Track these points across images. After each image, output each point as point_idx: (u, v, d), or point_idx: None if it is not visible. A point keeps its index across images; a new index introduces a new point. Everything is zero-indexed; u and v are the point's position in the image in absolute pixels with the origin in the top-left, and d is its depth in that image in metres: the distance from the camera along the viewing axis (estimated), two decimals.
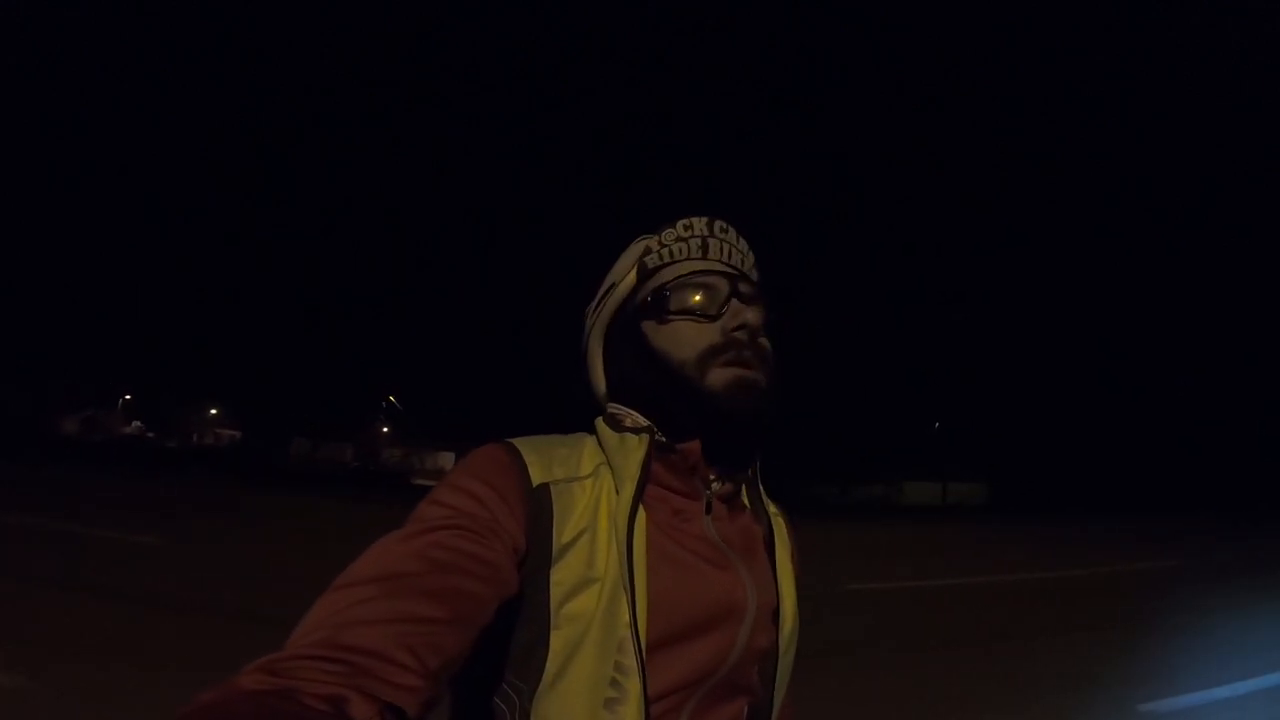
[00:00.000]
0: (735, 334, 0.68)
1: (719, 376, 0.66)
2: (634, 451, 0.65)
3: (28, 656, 3.57)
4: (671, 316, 0.70)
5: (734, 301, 0.69)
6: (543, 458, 0.64)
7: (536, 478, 0.62)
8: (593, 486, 0.64)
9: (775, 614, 0.70)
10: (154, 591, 5.27)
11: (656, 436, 0.68)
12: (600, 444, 0.69)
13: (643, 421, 0.70)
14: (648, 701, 0.57)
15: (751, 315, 0.68)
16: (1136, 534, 16.12)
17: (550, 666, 0.57)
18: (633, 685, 0.56)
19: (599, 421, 0.72)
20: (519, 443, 0.65)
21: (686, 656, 0.61)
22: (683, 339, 0.68)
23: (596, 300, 0.79)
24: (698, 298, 0.70)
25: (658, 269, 0.74)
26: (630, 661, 0.57)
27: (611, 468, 0.66)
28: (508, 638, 0.59)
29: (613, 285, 0.77)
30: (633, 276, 0.75)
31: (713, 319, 0.69)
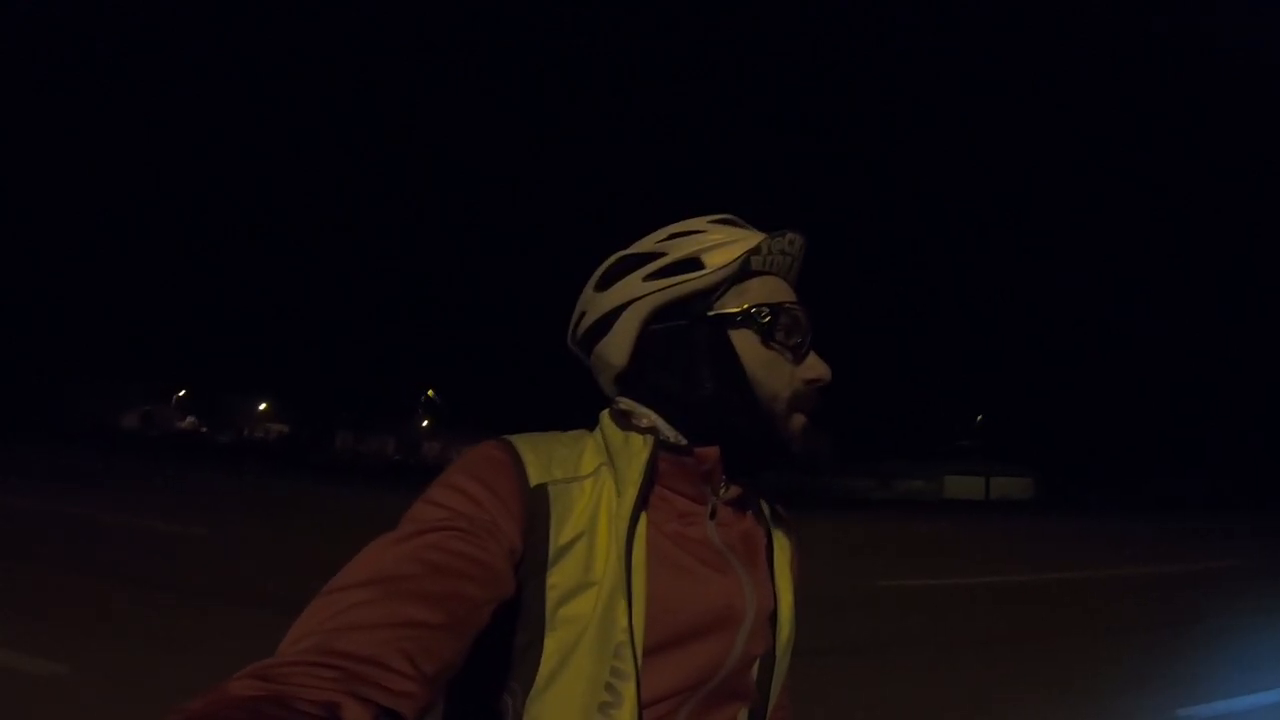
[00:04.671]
0: (814, 387, 0.70)
1: (797, 423, 0.69)
2: (638, 454, 0.63)
3: (71, 644, 3.69)
4: (774, 345, 0.69)
5: (813, 351, 0.71)
6: (541, 457, 0.62)
7: (534, 478, 0.60)
8: (593, 487, 0.62)
9: (773, 618, 0.69)
10: (201, 582, 5.47)
11: (674, 439, 0.67)
12: (604, 440, 0.67)
13: (656, 420, 0.68)
14: (642, 706, 0.56)
15: (825, 370, 0.70)
16: (1188, 532, 15.52)
17: (544, 669, 0.56)
18: (628, 690, 0.56)
19: (605, 416, 0.70)
20: (517, 441, 0.63)
21: (683, 661, 0.61)
22: (775, 372, 0.68)
23: (659, 269, 0.69)
24: (799, 338, 0.70)
25: (754, 275, 0.71)
26: (626, 666, 0.56)
27: (614, 468, 0.64)
28: (502, 639, 0.58)
29: (697, 266, 0.69)
30: (731, 269, 0.69)
31: (796, 360, 0.70)
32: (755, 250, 0.69)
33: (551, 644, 0.57)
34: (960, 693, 3.85)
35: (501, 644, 0.58)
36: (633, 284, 0.69)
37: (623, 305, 0.70)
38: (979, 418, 49.41)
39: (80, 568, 5.62)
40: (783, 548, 0.74)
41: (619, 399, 0.72)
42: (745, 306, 0.68)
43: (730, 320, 0.68)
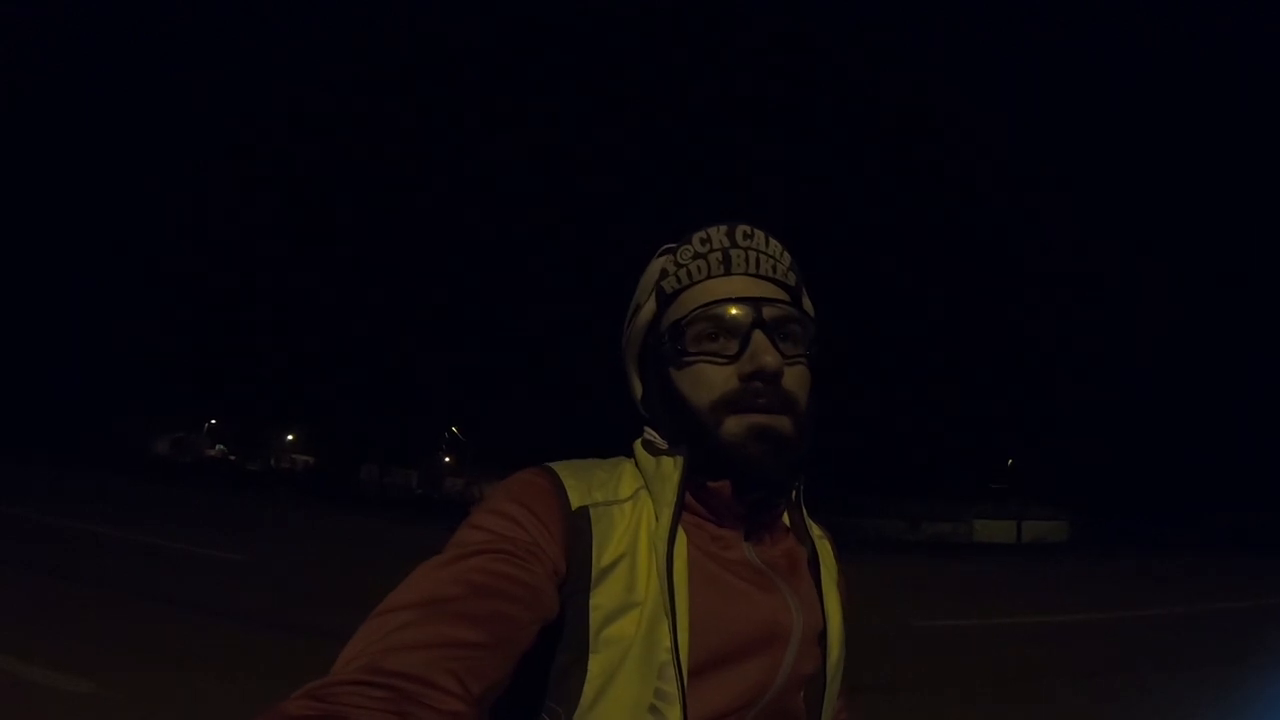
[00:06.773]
0: (753, 383, 0.63)
1: (735, 425, 0.63)
2: (670, 475, 0.64)
3: (102, 663, 3.74)
4: (689, 358, 0.66)
5: (756, 335, 0.63)
6: (581, 481, 0.64)
7: (575, 501, 0.62)
8: (632, 510, 0.64)
9: (821, 638, 0.68)
10: (229, 605, 5.51)
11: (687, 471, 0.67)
12: (638, 467, 0.69)
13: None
14: None
15: (771, 358, 0.62)
16: (1227, 572, 14.93)
17: (588, 690, 0.56)
18: (673, 712, 0.55)
19: (637, 444, 0.72)
20: (557, 466, 0.65)
21: (730, 681, 0.60)
22: (700, 382, 0.65)
23: (626, 320, 0.76)
24: (714, 337, 0.65)
25: (677, 293, 0.69)
26: (671, 688, 0.56)
27: (649, 492, 0.66)
28: (547, 661, 0.59)
29: (637, 308, 0.74)
30: (653, 302, 0.72)
31: (732, 359, 0.64)
32: (664, 274, 0.71)
33: (596, 665, 0.57)
34: None
35: (543, 665, 0.59)
36: (625, 333, 0.77)
37: (623, 353, 0.77)
38: (1009, 461, 48.30)
39: (112, 588, 5.71)
40: (828, 566, 0.73)
41: (646, 429, 0.74)
42: (664, 329, 0.70)
43: (659, 350, 0.70)
